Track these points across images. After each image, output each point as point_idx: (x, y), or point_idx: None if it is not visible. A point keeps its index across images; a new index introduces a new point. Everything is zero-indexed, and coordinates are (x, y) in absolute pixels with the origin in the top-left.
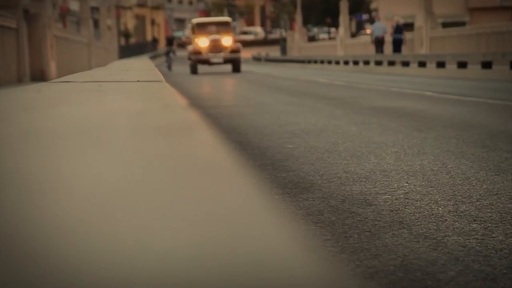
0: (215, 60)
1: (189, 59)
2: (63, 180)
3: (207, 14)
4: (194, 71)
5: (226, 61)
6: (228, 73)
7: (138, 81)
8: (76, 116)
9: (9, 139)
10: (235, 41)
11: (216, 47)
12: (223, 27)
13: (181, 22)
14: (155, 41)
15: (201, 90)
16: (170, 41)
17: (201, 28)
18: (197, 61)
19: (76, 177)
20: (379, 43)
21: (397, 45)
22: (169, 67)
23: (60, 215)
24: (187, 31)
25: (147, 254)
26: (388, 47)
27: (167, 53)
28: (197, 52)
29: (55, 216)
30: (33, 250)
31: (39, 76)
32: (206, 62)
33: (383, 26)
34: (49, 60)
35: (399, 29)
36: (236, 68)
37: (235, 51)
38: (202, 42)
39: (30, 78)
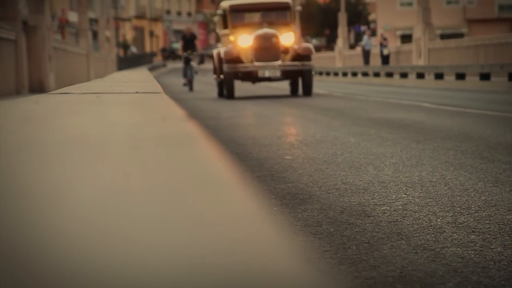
0: (267, 73)
1: (219, 72)
2: (62, 190)
3: (206, 26)
4: (229, 92)
5: (287, 75)
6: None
7: (137, 92)
8: (74, 128)
9: (8, 150)
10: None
11: (268, 49)
12: (278, 14)
13: (179, 34)
14: (164, 50)
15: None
16: (189, 42)
17: (238, 16)
18: (233, 75)
19: (75, 188)
20: (369, 56)
21: (385, 58)
22: (190, 85)
23: (60, 225)
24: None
25: (147, 263)
26: (376, 60)
27: (186, 62)
28: (233, 59)
29: (55, 226)
30: (34, 259)
31: (38, 87)
32: (250, 76)
33: (370, 41)
34: (47, 72)
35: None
36: (306, 88)
37: (303, 57)
38: (243, 40)
39: (28, 90)
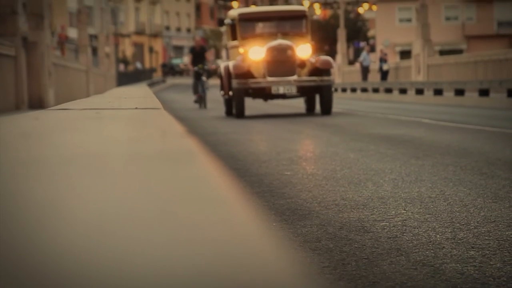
0: (281, 89)
1: (227, 88)
2: (62, 206)
3: (205, 42)
4: (238, 111)
5: (303, 91)
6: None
7: (136, 108)
8: (74, 143)
9: (8, 166)
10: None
11: (283, 63)
12: (293, 24)
13: (179, 50)
14: (164, 66)
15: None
16: (199, 55)
17: (249, 26)
18: (243, 92)
19: (75, 203)
20: (367, 72)
21: (384, 74)
22: (201, 101)
23: (60, 240)
24: (186, 58)
25: (145, 275)
26: (375, 76)
27: (196, 77)
28: (243, 74)
29: (54, 241)
30: (34, 273)
31: (38, 103)
32: (263, 93)
33: (369, 57)
34: (47, 88)
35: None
36: (325, 106)
37: (321, 71)
38: (254, 53)
39: (28, 106)
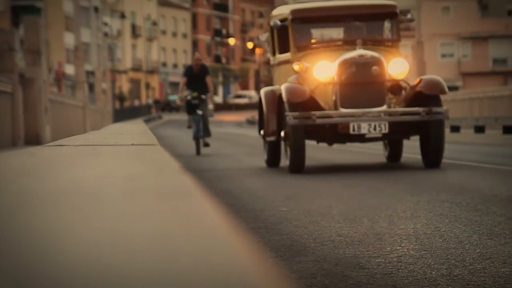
0: (364, 127)
1: (275, 126)
2: (58, 242)
3: None
4: (295, 161)
5: (397, 130)
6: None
7: (132, 144)
8: (70, 180)
9: (4, 203)
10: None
11: (366, 86)
12: (377, 27)
13: (175, 86)
14: (158, 102)
15: None
16: (196, 78)
17: (307, 30)
18: (303, 131)
19: (71, 239)
20: None
21: None
22: (197, 147)
23: (56, 275)
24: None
25: None
26: None
27: (189, 109)
28: (304, 104)
29: (50, 276)
30: None
31: (34, 139)
32: (333, 133)
33: None
34: (44, 124)
35: None
36: (432, 154)
37: (427, 98)
38: (321, 70)
39: (24, 142)
